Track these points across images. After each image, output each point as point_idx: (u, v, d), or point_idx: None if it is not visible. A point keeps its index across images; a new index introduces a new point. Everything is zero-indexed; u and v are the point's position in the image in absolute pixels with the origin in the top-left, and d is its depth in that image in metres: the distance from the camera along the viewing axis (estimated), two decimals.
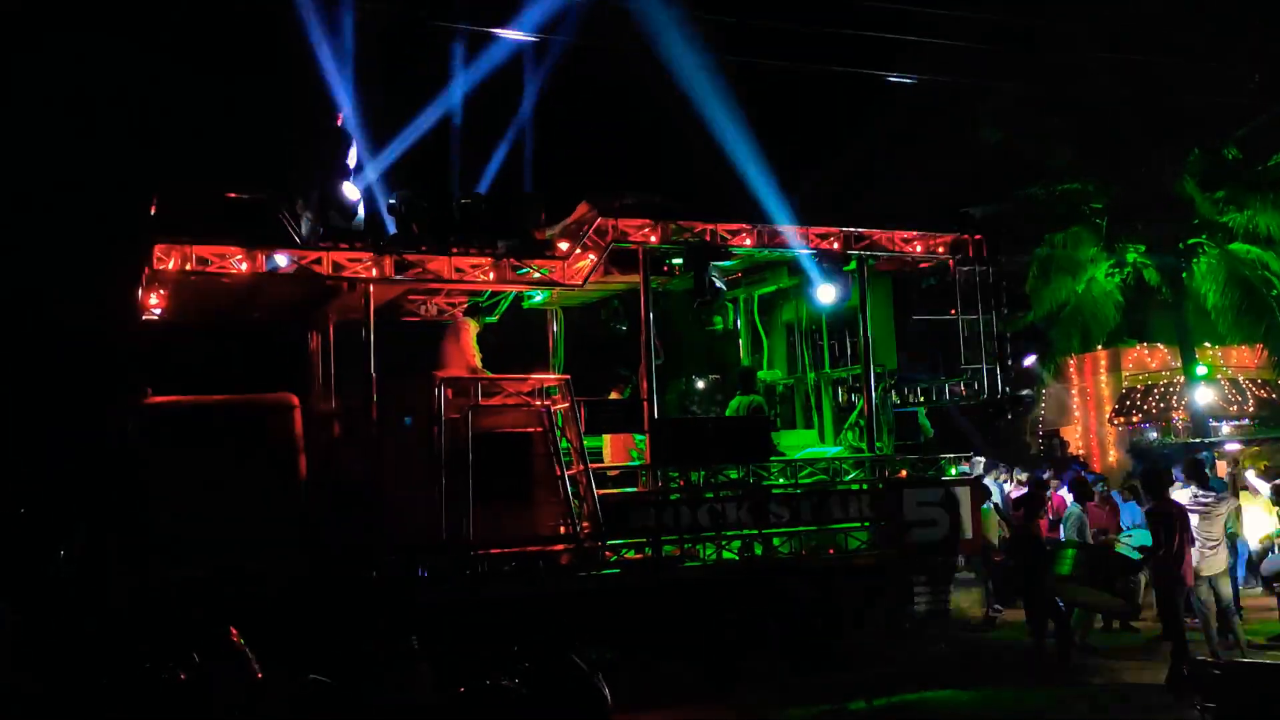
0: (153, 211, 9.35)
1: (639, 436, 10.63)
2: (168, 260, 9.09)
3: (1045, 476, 14.54)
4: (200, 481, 8.90)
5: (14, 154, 16.06)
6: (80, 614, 8.57)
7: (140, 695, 6.20)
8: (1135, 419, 21.69)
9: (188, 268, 9.13)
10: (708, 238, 10.73)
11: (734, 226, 10.88)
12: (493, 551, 9.39)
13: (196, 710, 6.16)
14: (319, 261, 9.47)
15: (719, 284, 10.80)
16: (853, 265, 11.37)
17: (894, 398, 11.92)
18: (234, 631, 6.89)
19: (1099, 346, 21.29)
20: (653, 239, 10.54)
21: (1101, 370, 22.92)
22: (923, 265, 11.91)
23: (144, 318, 10.03)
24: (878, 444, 11.24)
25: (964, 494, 11.21)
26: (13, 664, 7.53)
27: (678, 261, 11.18)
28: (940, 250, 11.67)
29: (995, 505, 13.51)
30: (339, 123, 10.59)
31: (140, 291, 9.76)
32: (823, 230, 11.20)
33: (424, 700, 6.60)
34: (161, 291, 9.63)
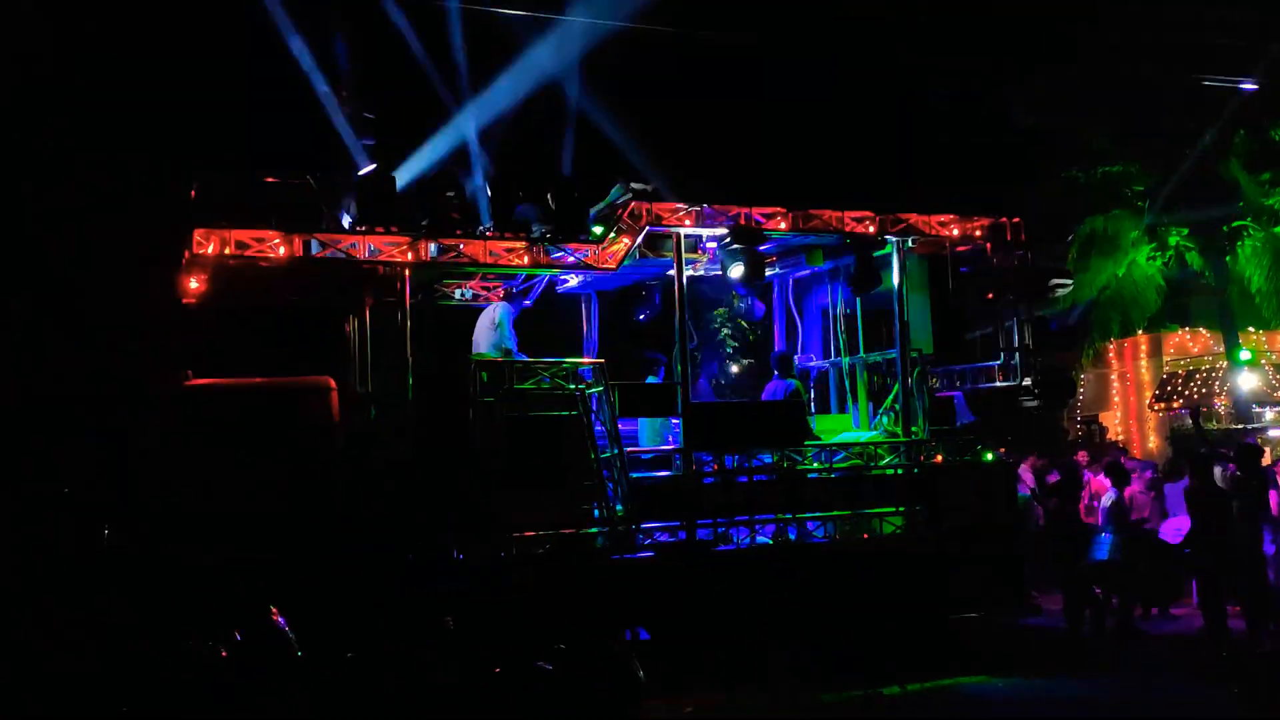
0: (192, 196, 9.45)
1: (673, 420, 10.66)
2: (207, 245, 9.21)
3: (1081, 461, 14.38)
4: (239, 463, 9.02)
5: (53, 138, 16.27)
6: (123, 593, 8.71)
7: (183, 672, 6.33)
8: (1176, 404, 21.40)
9: (226, 252, 9.24)
10: (742, 221, 10.70)
11: (769, 210, 10.84)
12: (527, 534, 9.45)
13: (238, 687, 6.27)
14: (355, 245, 9.55)
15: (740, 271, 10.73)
16: (889, 249, 11.29)
17: (934, 381, 11.85)
18: (274, 611, 7.00)
19: (1139, 331, 21.02)
20: (687, 222, 10.52)
21: (1142, 355, 22.63)
22: (959, 249, 11.80)
23: (183, 302, 10.15)
24: (913, 429, 11.18)
25: (998, 479, 11.12)
26: (58, 643, 7.68)
27: (713, 245, 11.16)
28: (978, 234, 11.56)
29: (1032, 491, 13.41)
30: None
31: (180, 276, 9.88)
32: (858, 214, 11.12)
33: (458, 681, 6.67)
34: (201, 276, 9.74)
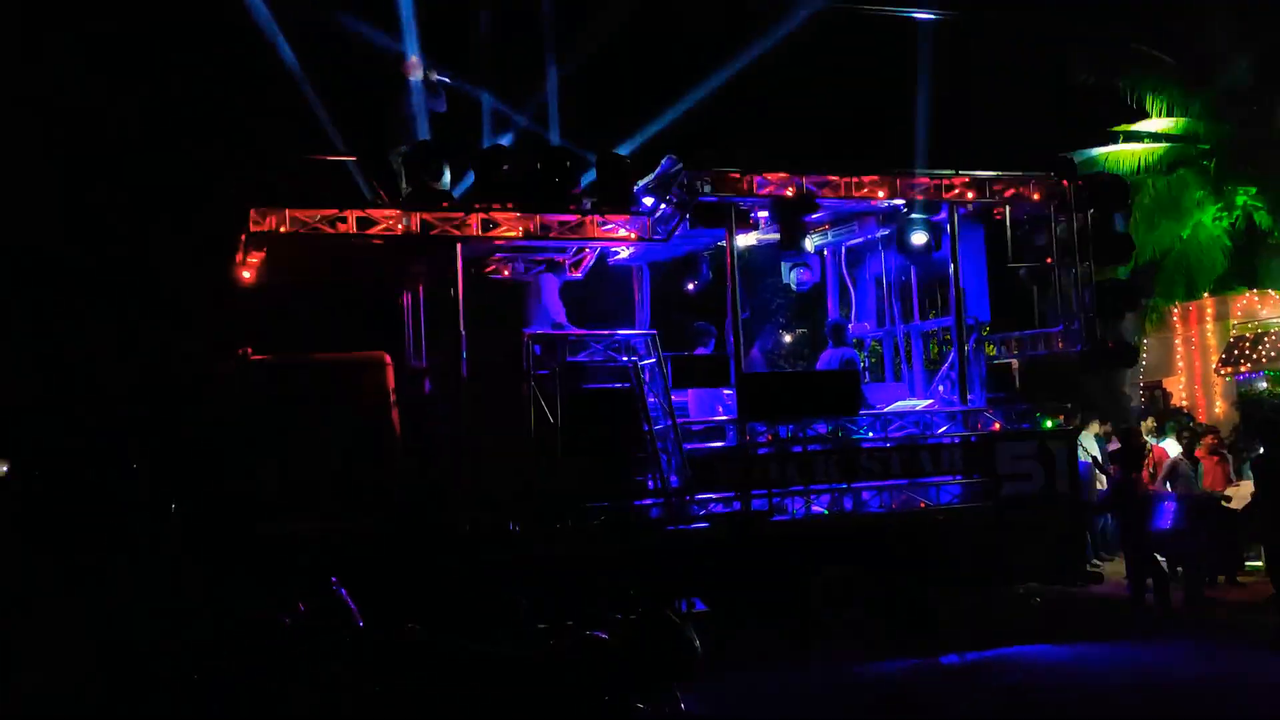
0: (248, 176, 9.58)
1: (725, 391, 10.63)
2: (263, 223, 9.33)
3: (1145, 427, 14.11)
4: (299, 438, 9.19)
5: (112, 120, 16.56)
6: (192, 565, 8.94)
7: (249, 642, 6.47)
8: (1244, 368, 20.89)
9: (282, 230, 9.37)
10: (793, 190, 10.58)
11: (821, 178, 10.71)
12: (582, 506, 9.50)
13: (302, 656, 6.40)
14: (408, 221, 9.62)
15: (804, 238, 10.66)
16: (943, 214, 11.10)
17: (989, 349, 11.68)
18: (335, 581, 7.11)
19: (1205, 294, 20.54)
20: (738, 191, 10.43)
21: (1208, 318, 22.08)
22: (1017, 212, 11.57)
23: (241, 280, 10.31)
24: (969, 396, 11.04)
25: (1059, 447, 10.96)
26: (133, 614, 7.90)
27: (764, 214, 11.06)
28: (1036, 197, 11.33)
29: (1094, 459, 13.21)
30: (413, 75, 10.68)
31: (238, 254, 10.03)
32: (912, 180, 10.95)
33: (518, 651, 6.74)
34: (258, 254, 9.88)
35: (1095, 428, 14.05)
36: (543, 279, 10.63)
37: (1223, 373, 21.39)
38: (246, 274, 10.08)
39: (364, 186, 10.05)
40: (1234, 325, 21.68)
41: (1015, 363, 11.67)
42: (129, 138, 16.91)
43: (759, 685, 8.69)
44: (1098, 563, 13.01)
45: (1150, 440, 13.36)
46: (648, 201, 10.36)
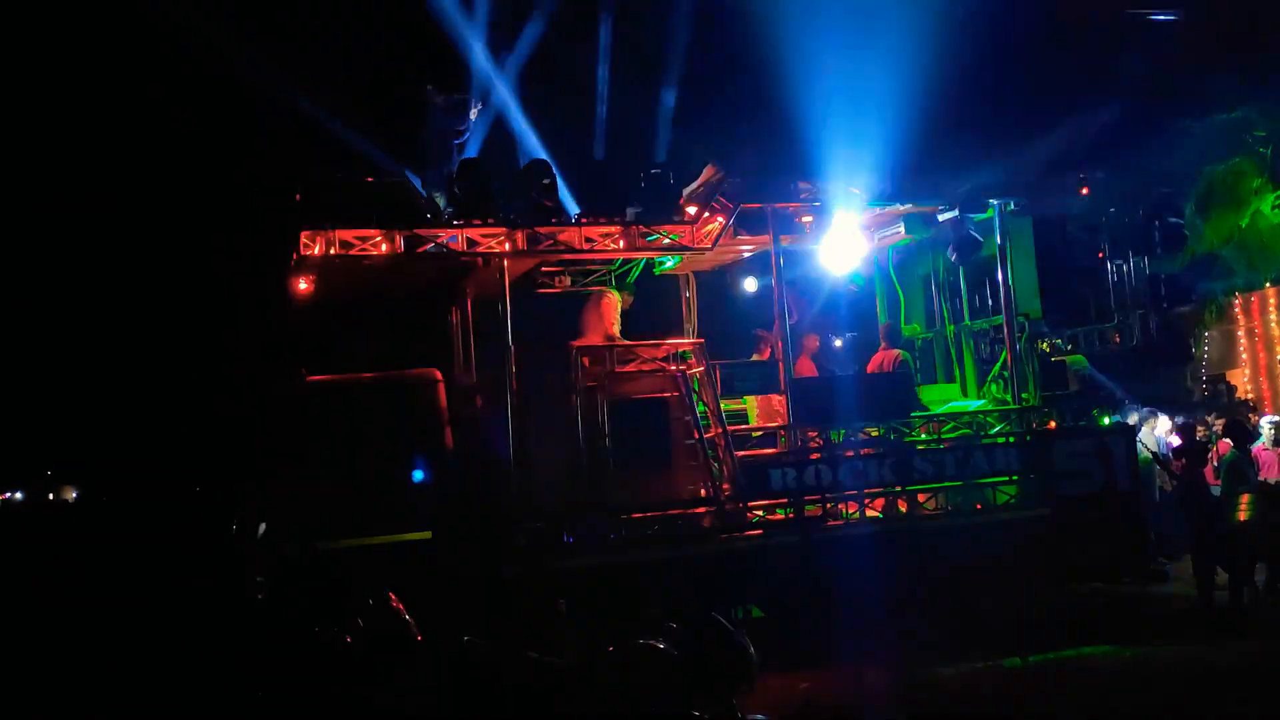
0: (297, 199, 9.76)
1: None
2: (314, 245, 9.49)
3: (1211, 420, 13.78)
4: (354, 455, 9.32)
5: (169, 147, 16.93)
6: (252, 582, 9.09)
7: (311, 656, 6.57)
8: None
9: (332, 251, 9.52)
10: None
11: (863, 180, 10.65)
12: (635, 515, 9.52)
13: (362, 669, 6.49)
14: (454, 239, 9.73)
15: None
16: (991, 213, 10.98)
17: (1043, 345, 11.51)
18: (393, 596, 7.21)
19: (1267, 284, 20.11)
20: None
21: (1271, 309, 21.57)
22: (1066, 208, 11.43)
23: (295, 302, 10.49)
24: (1023, 395, 10.89)
25: (1118, 444, 10.76)
26: (201, 629, 8.07)
27: (808, 219, 11.02)
28: (1084, 191, 11.18)
29: (1154, 455, 12.94)
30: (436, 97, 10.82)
31: (290, 276, 10.21)
32: (958, 179, 10.86)
33: (574, 660, 6.77)
34: (309, 276, 10.05)
35: (1155, 423, 13.76)
36: (604, 293, 10.69)
37: None
38: (298, 295, 10.26)
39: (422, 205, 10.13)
40: None
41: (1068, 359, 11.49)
42: (187, 169, 17.29)
43: (817, 691, 8.63)
44: (1163, 560, 12.73)
45: (1213, 435, 13.06)
46: (691, 210, 10.38)
